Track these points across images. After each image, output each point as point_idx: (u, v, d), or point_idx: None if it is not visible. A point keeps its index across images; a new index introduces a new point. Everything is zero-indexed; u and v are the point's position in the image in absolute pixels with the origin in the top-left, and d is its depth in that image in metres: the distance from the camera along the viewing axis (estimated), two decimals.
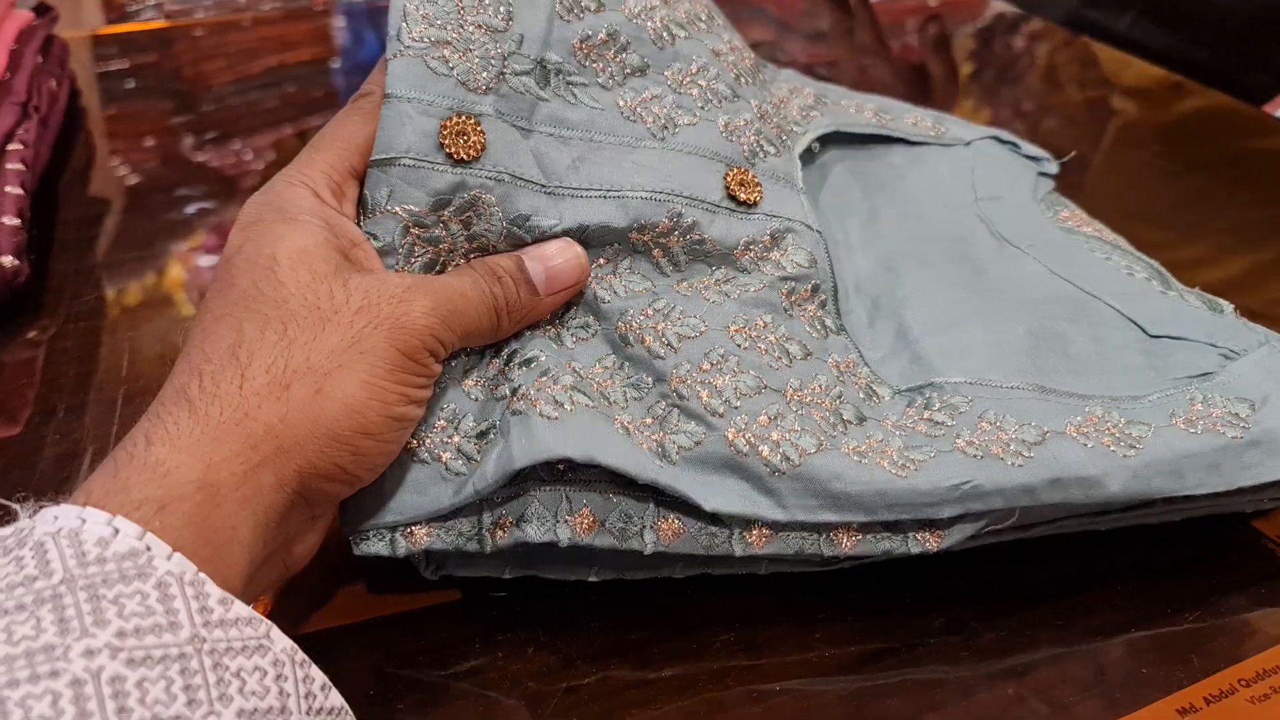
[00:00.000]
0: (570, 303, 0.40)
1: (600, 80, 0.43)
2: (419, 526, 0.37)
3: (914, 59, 0.96)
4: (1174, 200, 0.72)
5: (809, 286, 0.43)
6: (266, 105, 0.81)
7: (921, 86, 0.90)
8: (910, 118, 0.58)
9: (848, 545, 0.38)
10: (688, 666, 0.38)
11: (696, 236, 0.42)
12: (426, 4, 0.39)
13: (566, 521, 0.37)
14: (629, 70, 0.44)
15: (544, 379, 0.37)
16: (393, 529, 0.37)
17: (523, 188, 0.39)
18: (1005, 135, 0.59)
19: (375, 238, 0.37)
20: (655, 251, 0.42)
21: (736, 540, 0.37)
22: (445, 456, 0.37)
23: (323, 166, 0.38)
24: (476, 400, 0.38)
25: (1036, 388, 0.41)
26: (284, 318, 0.33)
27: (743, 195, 0.43)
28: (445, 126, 0.38)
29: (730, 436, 0.37)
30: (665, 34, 0.45)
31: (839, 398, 0.40)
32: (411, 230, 0.38)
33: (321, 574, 0.40)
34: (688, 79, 0.45)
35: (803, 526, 0.37)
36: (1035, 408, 0.40)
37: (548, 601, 0.40)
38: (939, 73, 0.92)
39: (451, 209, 0.38)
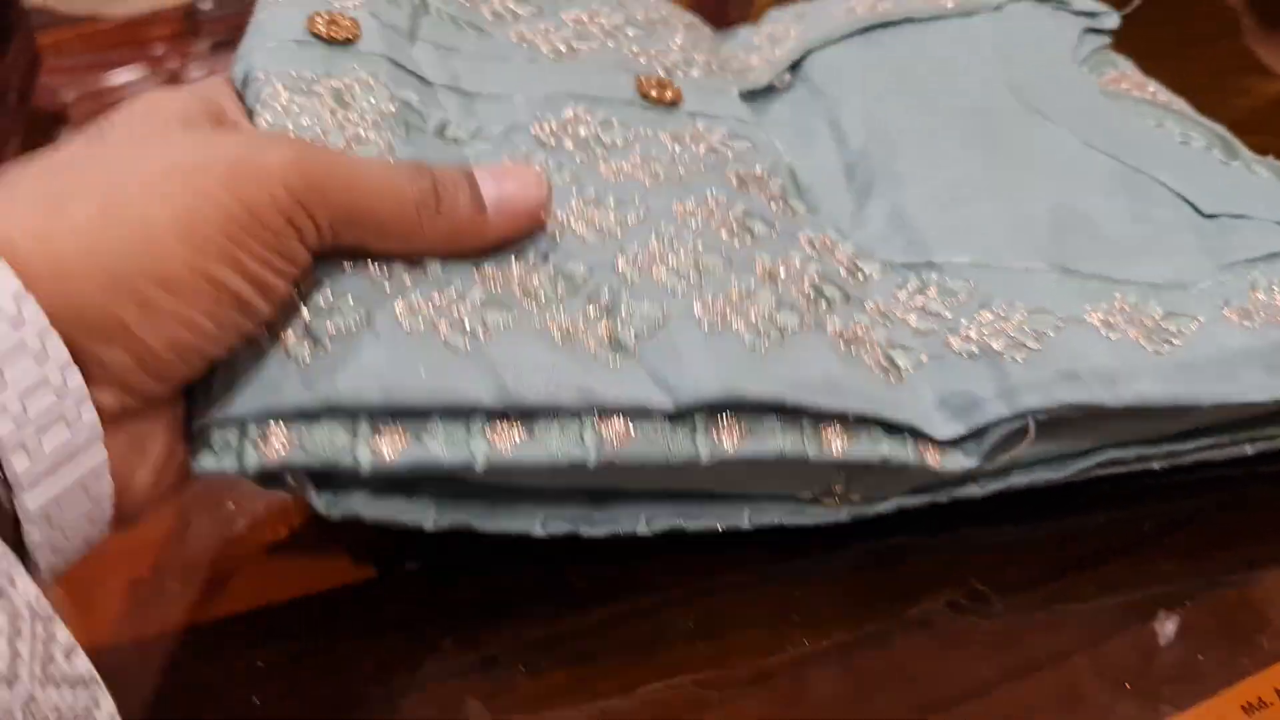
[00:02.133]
0: None
1: (488, 15, 0.40)
2: (275, 427, 0.28)
3: None
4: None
5: (761, 169, 0.38)
6: None
7: None
8: None
9: (838, 447, 0.31)
10: (635, 660, 0.32)
11: (605, 118, 0.37)
12: None
13: (483, 432, 0.29)
14: (521, 9, 0.40)
15: (444, 294, 0.30)
16: (241, 428, 0.28)
17: (406, 75, 0.34)
18: None
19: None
20: (568, 143, 0.36)
21: (701, 439, 0.30)
22: (288, 339, 0.29)
23: (201, 90, 0.32)
24: (344, 270, 0.30)
25: (1057, 268, 0.35)
26: (94, 136, 0.27)
27: (657, 95, 0.38)
28: (314, 17, 0.34)
29: (698, 311, 0.31)
30: None
31: (819, 274, 0.34)
32: (281, 92, 0.32)
33: (204, 545, 0.35)
34: (588, 17, 0.41)
35: (783, 411, 0.31)
36: (1052, 291, 0.34)
37: (474, 584, 0.34)
38: None
39: (332, 81, 0.33)
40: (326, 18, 0.34)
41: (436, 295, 0.30)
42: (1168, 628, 0.33)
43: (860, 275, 0.35)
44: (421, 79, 0.35)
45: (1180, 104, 0.44)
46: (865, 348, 0.33)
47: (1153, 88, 0.45)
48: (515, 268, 0.32)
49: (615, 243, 0.33)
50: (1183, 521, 0.36)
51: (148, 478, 0.27)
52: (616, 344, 0.30)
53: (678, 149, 0.37)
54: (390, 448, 0.28)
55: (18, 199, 0.24)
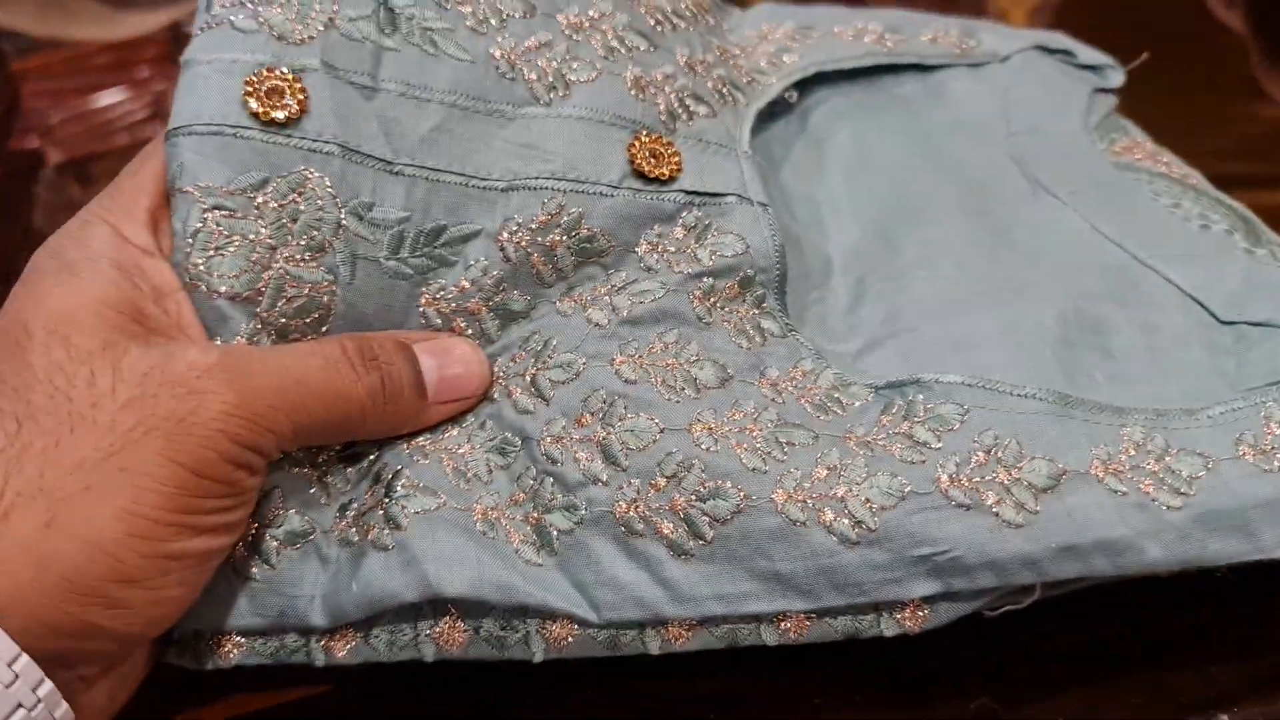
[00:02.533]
0: None
1: (470, 22, 0.34)
2: (227, 637, 0.30)
3: None
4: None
5: (735, 280, 0.34)
6: None
7: None
8: (929, 33, 0.47)
9: (795, 631, 0.30)
10: None
11: (585, 233, 0.33)
12: None
13: (429, 634, 0.29)
14: (509, 9, 0.35)
15: (376, 487, 0.30)
16: (198, 635, 0.30)
17: (361, 164, 0.31)
18: (1056, 40, 0.47)
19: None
20: (535, 258, 0.33)
21: (651, 637, 0.29)
22: (238, 553, 0.30)
23: (132, 193, 0.30)
24: (300, 490, 0.31)
25: (1058, 398, 0.31)
26: (20, 413, 0.25)
27: (651, 170, 0.34)
28: (251, 82, 0.30)
29: (619, 511, 0.29)
30: None
31: (775, 420, 0.31)
32: (209, 215, 0.29)
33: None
34: (588, 23, 0.36)
35: (725, 619, 0.29)
36: (1051, 430, 0.30)
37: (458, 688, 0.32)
38: None
39: (270, 190, 0.30)
40: (265, 85, 0.30)
41: (367, 495, 0.30)
42: None
43: (838, 409, 0.32)
44: (380, 161, 0.31)
45: (1197, 177, 0.41)
46: (821, 508, 0.29)
47: (1166, 158, 0.42)
48: (449, 436, 0.32)
49: (545, 411, 0.31)
50: (1217, 608, 0.33)
51: (120, 694, 0.28)
52: (540, 541, 0.30)
53: (653, 258, 0.34)
54: (341, 648, 0.30)
55: None
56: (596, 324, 0.32)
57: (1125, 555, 0.29)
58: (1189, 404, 0.31)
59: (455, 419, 0.32)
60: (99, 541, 0.24)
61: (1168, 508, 0.29)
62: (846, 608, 0.29)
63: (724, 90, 0.38)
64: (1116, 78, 0.46)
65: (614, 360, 0.31)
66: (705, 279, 0.33)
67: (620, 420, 0.30)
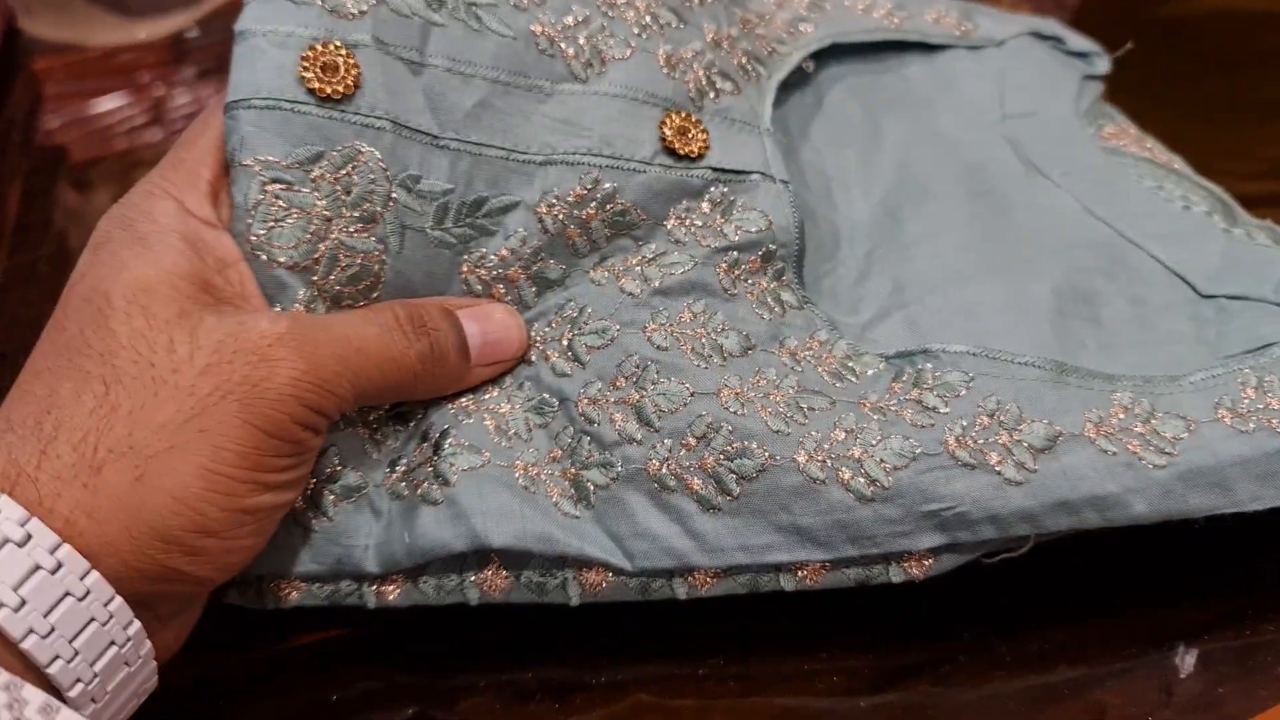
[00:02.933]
0: None
1: (511, 3, 0.36)
2: (288, 583, 0.32)
3: None
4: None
5: (758, 255, 0.36)
6: None
7: None
8: (932, 12, 0.49)
9: (811, 579, 0.32)
10: (666, 694, 0.33)
11: (618, 206, 0.35)
12: None
13: (473, 581, 0.32)
14: None
15: (424, 445, 0.33)
16: (259, 581, 0.32)
17: (410, 139, 0.33)
18: (1048, 27, 0.50)
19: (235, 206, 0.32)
20: (570, 229, 0.35)
21: (679, 584, 0.32)
22: (297, 504, 0.32)
23: (192, 165, 0.32)
24: (353, 447, 0.33)
25: (1054, 366, 0.34)
26: (108, 377, 0.27)
27: (681, 147, 0.36)
28: (307, 57, 0.32)
29: (652, 469, 0.32)
30: None
31: (795, 386, 0.33)
32: (269, 188, 0.31)
33: None
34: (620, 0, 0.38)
35: (748, 569, 0.32)
36: (1049, 395, 0.33)
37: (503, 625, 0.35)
38: None
39: (325, 164, 0.32)
40: (320, 61, 0.32)
41: (415, 452, 0.33)
42: (1188, 661, 0.33)
43: (852, 377, 0.34)
44: (428, 135, 0.33)
45: (1179, 163, 0.44)
46: (841, 467, 0.32)
47: (1150, 144, 0.45)
48: (490, 396, 0.34)
49: (581, 375, 0.33)
50: (1197, 555, 0.35)
51: (183, 634, 0.31)
52: (578, 495, 0.32)
53: (681, 231, 0.36)
54: (393, 592, 0.32)
55: (62, 475, 0.26)
56: (630, 294, 0.34)
57: (1114, 510, 0.31)
58: (1173, 371, 0.34)
59: (495, 381, 0.34)
60: (183, 496, 0.27)
61: (1153, 466, 0.31)
62: (860, 558, 0.32)
63: (748, 65, 0.40)
64: (1103, 65, 0.48)
65: (646, 328, 0.34)
66: (731, 253, 0.35)
67: (653, 384, 0.32)
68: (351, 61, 0.32)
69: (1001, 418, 0.32)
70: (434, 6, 0.34)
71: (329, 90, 0.32)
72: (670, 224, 0.36)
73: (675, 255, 0.35)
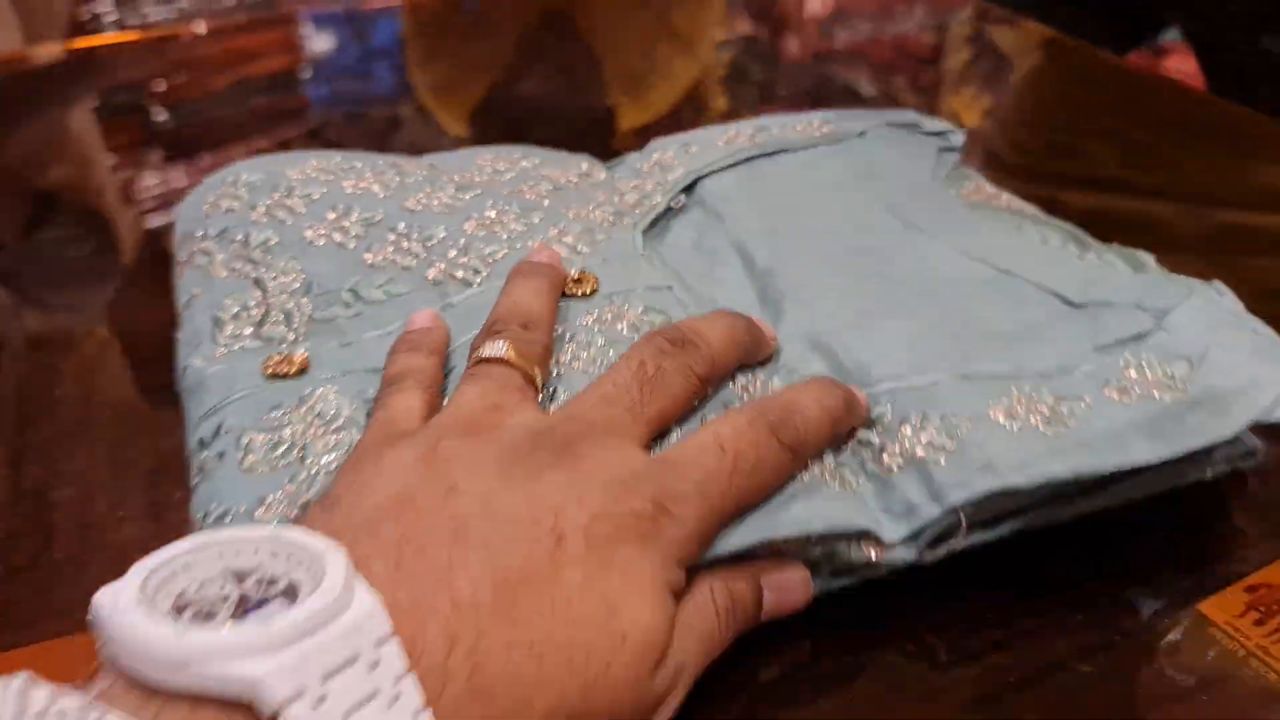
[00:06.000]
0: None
1: (404, 263, 0.45)
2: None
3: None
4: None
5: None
6: (235, 119, 0.77)
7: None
8: (799, 125, 0.56)
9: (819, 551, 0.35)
10: None
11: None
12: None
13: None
14: (430, 243, 0.45)
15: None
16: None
17: (365, 376, 0.40)
18: (904, 116, 0.57)
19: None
20: None
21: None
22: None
23: None
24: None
25: (959, 376, 0.38)
26: None
27: (573, 290, 0.42)
28: (268, 363, 0.40)
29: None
30: (457, 198, 0.48)
31: None
32: (257, 437, 0.37)
33: None
34: (489, 223, 0.47)
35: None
36: (958, 396, 0.37)
37: None
38: None
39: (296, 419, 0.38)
40: (278, 358, 0.39)
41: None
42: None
43: None
44: (375, 370, 0.39)
45: (1032, 209, 0.50)
46: (820, 465, 0.35)
47: (1005, 197, 0.51)
48: None
49: None
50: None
51: None
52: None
53: (599, 334, 0.40)
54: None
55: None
56: (587, 362, 0.39)
57: (1030, 468, 0.34)
58: (1064, 364, 0.38)
59: None
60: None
61: (1057, 435, 0.35)
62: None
63: (614, 220, 0.48)
64: (958, 138, 0.55)
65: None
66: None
67: None
68: (301, 355, 0.40)
69: (919, 424, 0.36)
70: (349, 303, 0.43)
71: (290, 372, 0.40)
72: (587, 320, 0.41)
73: (610, 335, 0.40)
